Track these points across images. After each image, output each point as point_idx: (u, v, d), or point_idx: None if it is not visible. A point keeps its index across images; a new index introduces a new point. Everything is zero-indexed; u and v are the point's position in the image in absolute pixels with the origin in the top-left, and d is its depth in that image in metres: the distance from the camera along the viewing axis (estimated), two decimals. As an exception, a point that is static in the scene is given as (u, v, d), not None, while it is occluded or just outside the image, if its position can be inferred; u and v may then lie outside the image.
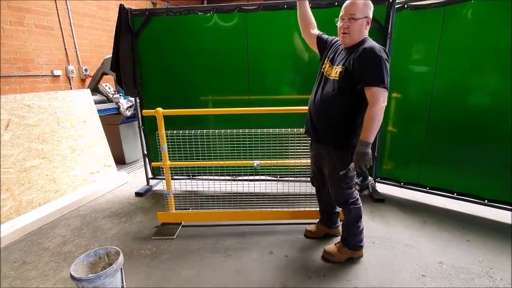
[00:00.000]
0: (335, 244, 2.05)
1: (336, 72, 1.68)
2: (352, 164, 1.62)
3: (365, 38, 1.67)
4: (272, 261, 2.03)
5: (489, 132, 2.39)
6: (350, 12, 1.61)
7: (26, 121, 2.68)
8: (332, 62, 1.76)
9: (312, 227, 2.32)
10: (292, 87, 2.95)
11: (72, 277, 1.50)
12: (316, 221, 2.34)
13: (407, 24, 2.59)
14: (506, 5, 2.14)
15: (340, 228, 2.29)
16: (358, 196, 1.93)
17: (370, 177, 1.66)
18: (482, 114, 2.40)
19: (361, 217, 1.93)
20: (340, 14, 1.66)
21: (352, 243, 1.97)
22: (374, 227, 2.43)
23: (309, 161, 2.14)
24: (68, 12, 4.32)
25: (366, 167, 1.58)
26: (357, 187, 1.69)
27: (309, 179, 2.68)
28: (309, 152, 2.27)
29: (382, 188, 3.07)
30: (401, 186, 2.97)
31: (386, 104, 1.55)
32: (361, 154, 1.56)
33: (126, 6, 2.78)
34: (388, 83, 1.54)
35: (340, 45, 1.77)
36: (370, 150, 1.57)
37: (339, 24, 1.68)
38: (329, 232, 2.28)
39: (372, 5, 1.65)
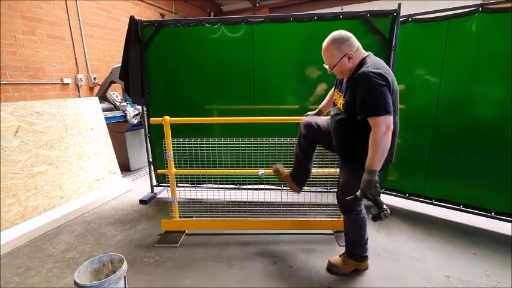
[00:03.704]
0: (340, 255, 2.03)
1: (340, 103, 1.70)
2: (359, 192, 1.57)
3: (361, 61, 1.60)
4: (276, 272, 2.01)
5: (496, 143, 2.38)
6: (325, 62, 1.68)
7: (35, 128, 2.73)
8: (339, 90, 1.79)
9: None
10: (298, 97, 2.97)
11: (75, 284, 1.50)
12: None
13: (411, 37, 2.62)
14: (509, 17, 2.17)
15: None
16: (362, 208, 1.91)
17: (385, 206, 1.56)
18: (488, 125, 2.40)
19: (365, 227, 1.92)
20: None
21: (357, 253, 1.95)
22: (379, 238, 2.40)
23: (313, 170, 2.14)
24: (79, 23, 4.46)
25: (372, 195, 1.53)
26: (370, 216, 1.60)
27: (313, 188, 2.67)
28: (314, 162, 2.27)
29: (387, 199, 3.04)
30: (406, 198, 2.94)
31: (392, 128, 1.48)
32: (365, 182, 1.52)
33: (136, 17, 2.86)
34: (388, 108, 1.46)
35: None
36: (376, 178, 1.51)
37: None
38: (292, 188, 2.14)
39: (346, 36, 1.60)
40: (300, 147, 2.06)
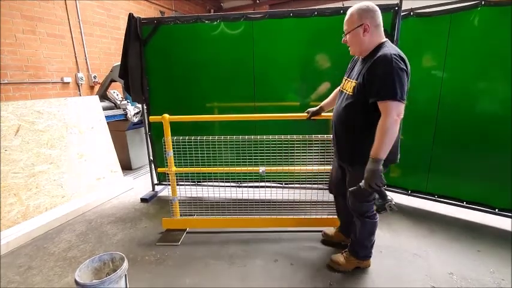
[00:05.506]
0: (342, 253, 2.01)
1: (351, 87, 1.63)
2: (363, 182, 1.51)
3: (380, 43, 1.55)
4: (277, 270, 2.00)
5: (499, 139, 2.35)
6: (344, 27, 1.63)
7: (36, 127, 2.73)
8: (348, 76, 1.74)
9: (331, 231, 2.29)
10: (298, 94, 2.95)
11: (76, 283, 1.50)
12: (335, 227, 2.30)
13: (413, 32, 2.58)
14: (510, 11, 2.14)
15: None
16: (375, 211, 1.84)
17: (389, 198, 1.49)
18: (491, 120, 2.36)
19: (375, 232, 1.88)
20: None
21: (362, 254, 1.93)
22: (381, 235, 2.38)
23: (314, 167, 2.12)
24: (79, 22, 4.44)
25: (377, 185, 1.46)
26: (374, 207, 1.56)
27: (314, 186, 2.66)
28: (314, 158, 2.25)
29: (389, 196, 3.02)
30: (408, 194, 2.91)
31: (402, 117, 1.44)
32: (370, 172, 1.46)
33: (135, 15, 2.84)
34: (404, 95, 1.42)
35: (357, 57, 1.75)
36: (381, 167, 1.45)
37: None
38: (345, 241, 2.17)
39: (373, 8, 1.54)
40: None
